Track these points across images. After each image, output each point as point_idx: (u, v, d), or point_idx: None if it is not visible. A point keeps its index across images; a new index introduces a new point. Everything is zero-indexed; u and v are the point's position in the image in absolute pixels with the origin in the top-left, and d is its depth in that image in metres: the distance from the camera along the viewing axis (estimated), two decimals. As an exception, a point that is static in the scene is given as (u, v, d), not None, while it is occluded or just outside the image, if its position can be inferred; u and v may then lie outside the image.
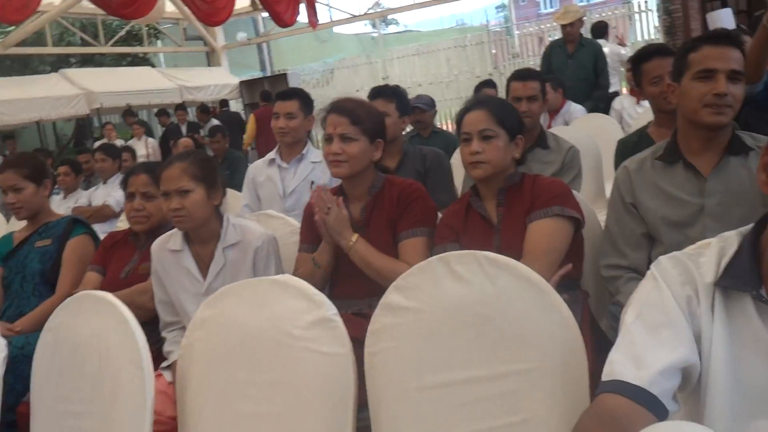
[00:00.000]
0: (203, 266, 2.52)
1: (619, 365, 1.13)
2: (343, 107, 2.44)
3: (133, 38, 15.89)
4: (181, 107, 11.23)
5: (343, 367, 1.70)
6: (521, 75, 3.52)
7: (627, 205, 2.22)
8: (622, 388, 1.10)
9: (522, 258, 2.01)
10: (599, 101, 6.31)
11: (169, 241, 2.58)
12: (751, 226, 1.21)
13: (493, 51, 15.02)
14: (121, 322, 1.85)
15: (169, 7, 11.43)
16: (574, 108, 5.64)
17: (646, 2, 13.59)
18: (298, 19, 10.45)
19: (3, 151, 11.50)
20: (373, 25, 27.51)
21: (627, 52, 8.75)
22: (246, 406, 1.78)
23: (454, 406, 1.58)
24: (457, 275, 1.62)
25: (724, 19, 6.49)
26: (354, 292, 2.38)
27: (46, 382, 2.01)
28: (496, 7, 39.79)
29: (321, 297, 1.78)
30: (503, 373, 1.54)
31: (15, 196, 3.09)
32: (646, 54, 3.13)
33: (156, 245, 2.61)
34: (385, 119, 2.59)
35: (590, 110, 5.81)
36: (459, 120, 2.31)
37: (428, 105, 5.35)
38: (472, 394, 1.57)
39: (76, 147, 13.76)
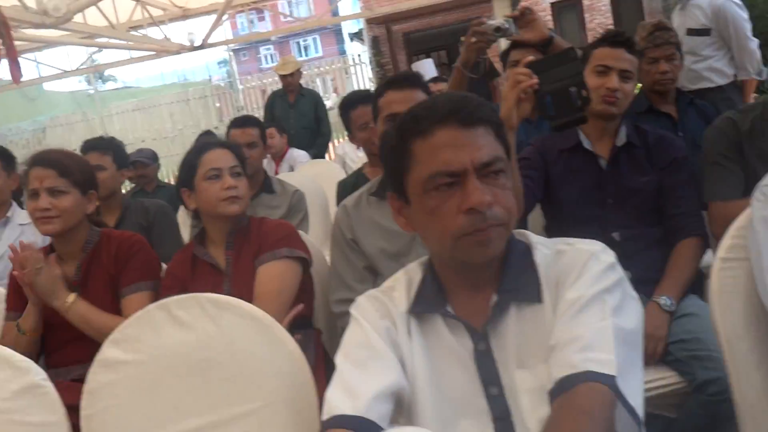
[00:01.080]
0: None
1: (334, 401, 1.17)
2: (47, 159, 2.26)
3: None
4: None
5: (56, 436, 1.54)
6: (240, 122, 3.55)
7: (348, 241, 2.29)
8: (342, 421, 1.13)
9: (253, 301, 1.99)
10: (322, 147, 6.56)
11: None
12: (427, 257, 1.35)
13: (217, 105, 15.01)
14: None
15: None
16: (298, 153, 5.78)
17: (359, 56, 14.45)
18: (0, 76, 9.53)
19: None
20: (89, 82, 26.20)
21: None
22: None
23: (185, 459, 1.49)
24: (178, 320, 1.55)
25: (426, 67, 7.18)
26: (73, 358, 2.18)
27: None
28: (218, 63, 39.94)
29: (27, 363, 1.60)
30: (233, 416, 1.49)
31: None
32: (351, 102, 3.25)
33: None
34: (93, 169, 2.44)
35: (314, 156, 6.00)
36: (196, 160, 2.25)
37: (150, 158, 5.18)
38: (203, 443, 1.49)
39: None
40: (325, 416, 1.16)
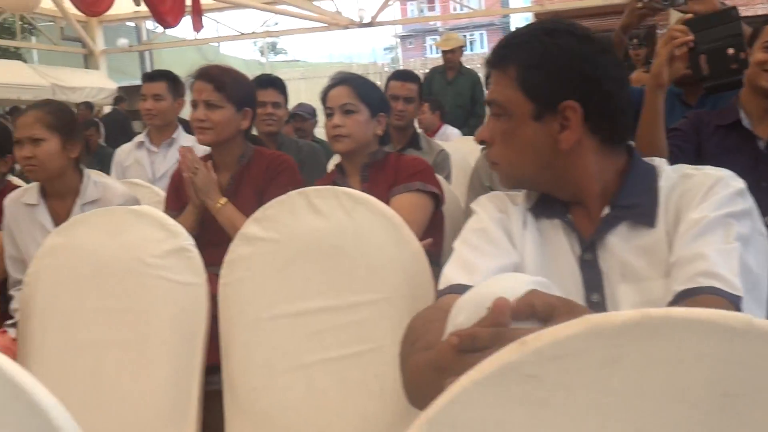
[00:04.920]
0: (60, 222, 2.42)
1: (451, 274, 1.20)
2: (208, 73, 2.42)
3: (5, 31, 15.16)
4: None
5: (197, 296, 1.68)
6: (400, 75, 3.62)
7: (485, 187, 2.33)
8: (459, 290, 1.13)
9: None
10: (475, 128, 6.54)
11: (25, 194, 2.47)
12: None
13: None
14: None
15: (47, 3, 10.92)
16: (451, 131, 5.83)
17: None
18: (183, 35, 10.17)
19: None
20: (262, 53, 27.51)
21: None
22: (92, 333, 1.72)
23: (305, 335, 1.60)
24: (315, 208, 1.65)
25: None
26: (218, 259, 2.36)
27: None
28: (385, 49, 40.68)
29: (177, 227, 1.76)
30: (354, 303, 1.57)
31: None
32: None
33: (10, 198, 2.49)
34: (251, 88, 2.60)
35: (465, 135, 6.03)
36: (323, 97, 2.35)
37: (309, 113, 5.39)
38: (324, 324, 1.60)
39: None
40: (441, 286, 1.20)
